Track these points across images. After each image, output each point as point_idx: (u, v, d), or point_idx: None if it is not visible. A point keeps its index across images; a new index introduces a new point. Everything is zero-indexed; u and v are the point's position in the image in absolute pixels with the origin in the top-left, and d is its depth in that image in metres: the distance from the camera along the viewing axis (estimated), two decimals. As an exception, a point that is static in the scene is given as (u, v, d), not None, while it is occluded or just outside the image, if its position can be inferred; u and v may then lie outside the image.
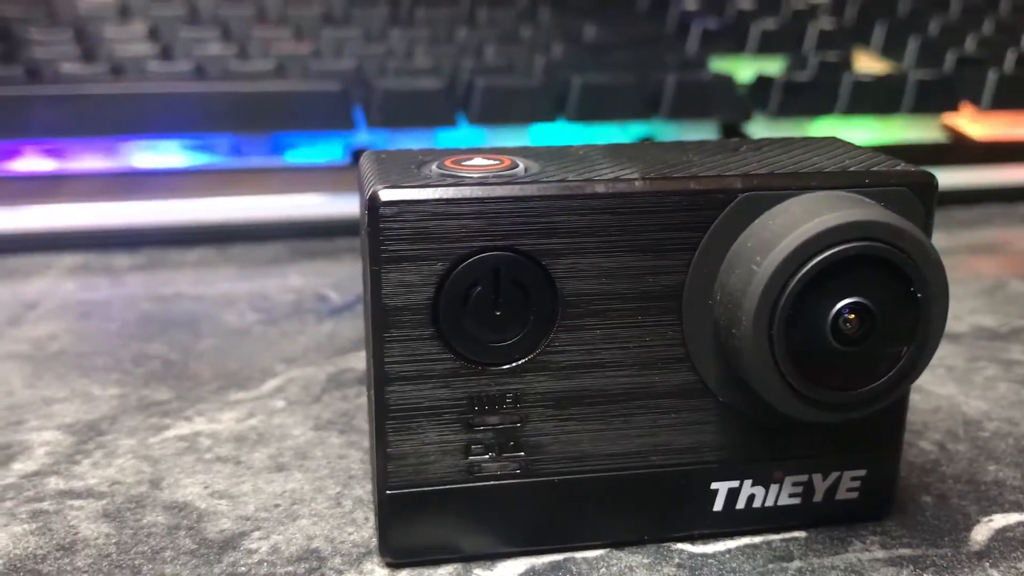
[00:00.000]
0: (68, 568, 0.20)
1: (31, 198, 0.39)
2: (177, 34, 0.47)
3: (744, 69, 0.48)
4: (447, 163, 0.20)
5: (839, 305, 0.19)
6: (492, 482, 0.20)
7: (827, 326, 0.19)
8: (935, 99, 0.46)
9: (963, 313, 0.34)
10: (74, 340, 0.31)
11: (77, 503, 0.23)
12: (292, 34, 0.48)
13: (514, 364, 0.20)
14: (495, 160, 0.20)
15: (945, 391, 0.28)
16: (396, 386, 0.19)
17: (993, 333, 0.32)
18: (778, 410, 0.19)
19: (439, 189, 0.19)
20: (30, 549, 0.21)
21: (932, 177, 0.20)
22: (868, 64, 0.50)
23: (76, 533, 0.21)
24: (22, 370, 0.29)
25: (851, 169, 0.20)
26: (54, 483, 0.23)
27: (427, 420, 0.20)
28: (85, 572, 0.20)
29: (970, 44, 0.51)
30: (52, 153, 0.40)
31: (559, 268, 0.19)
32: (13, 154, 0.40)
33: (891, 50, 0.52)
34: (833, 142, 0.23)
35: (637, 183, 0.19)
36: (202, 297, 0.35)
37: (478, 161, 0.20)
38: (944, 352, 0.31)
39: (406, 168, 0.20)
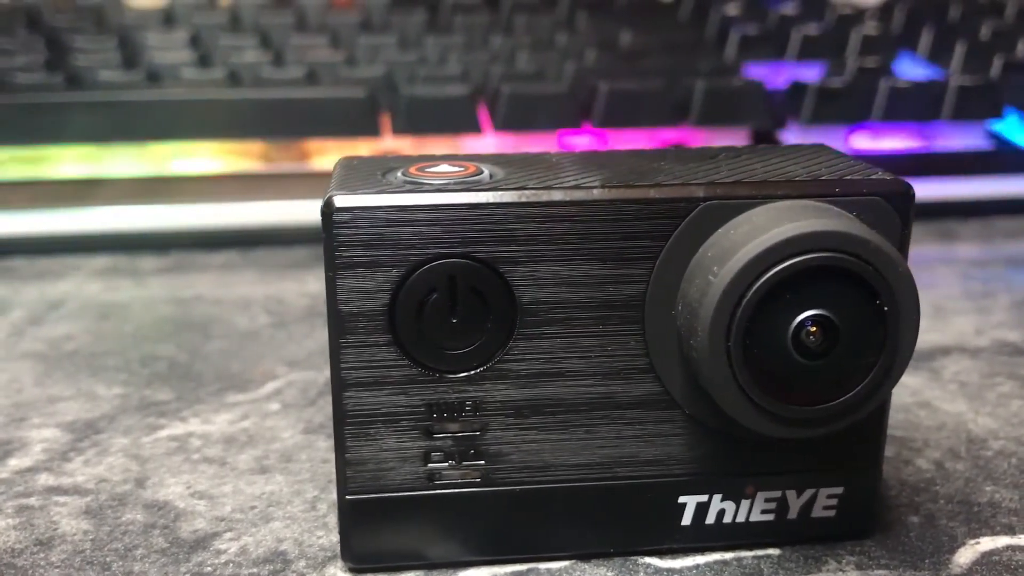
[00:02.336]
0: (42, 563, 0.21)
1: (66, 201, 0.40)
2: (217, 42, 0.48)
3: (781, 75, 0.48)
4: (411, 170, 0.20)
5: (800, 317, 0.18)
6: (453, 490, 0.20)
7: (788, 339, 0.18)
8: (978, 105, 0.44)
9: (987, 327, 0.33)
10: (89, 340, 0.32)
11: (62, 499, 0.23)
12: (329, 41, 0.49)
13: (472, 372, 0.20)
14: (460, 167, 0.20)
15: (954, 408, 0.27)
16: (353, 392, 0.19)
17: (1015, 348, 0.31)
18: (741, 424, 0.19)
19: (393, 196, 0.19)
20: (9, 543, 0.21)
21: (908, 187, 0.20)
22: (910, 70, 0.49)
23: (56, 529, 0.22)
24: (35, 368, 0.30)
25: (822, 178, 0.20)
26: (44, 479, 0.24)
27: (385, 426, 0.20)
28: (57, 567, 0.21)
29: (1022, 49, 0.50)
30: (88, 158, 0.41)
31: (517, 276, 0.19)
32: (53, 158, 0.41)
33: (938, 55, 0.50)
34: (818, 150, 0.22)
35: (596, 191, 0.19)
36: (220, 300, 0.35)
37: (443, 168, 0.20)
38: (960, 367, 0.30)
39: (371, 174, 0.20)
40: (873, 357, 0.19)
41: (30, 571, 0.21)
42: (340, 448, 0.20)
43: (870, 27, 0.53)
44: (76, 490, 0.24)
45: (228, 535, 0.22)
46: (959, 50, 0.49)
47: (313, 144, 0.43)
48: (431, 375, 0.19)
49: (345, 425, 0.20)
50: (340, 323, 0.19)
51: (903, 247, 0.20)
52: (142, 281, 0.37)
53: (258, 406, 0.28)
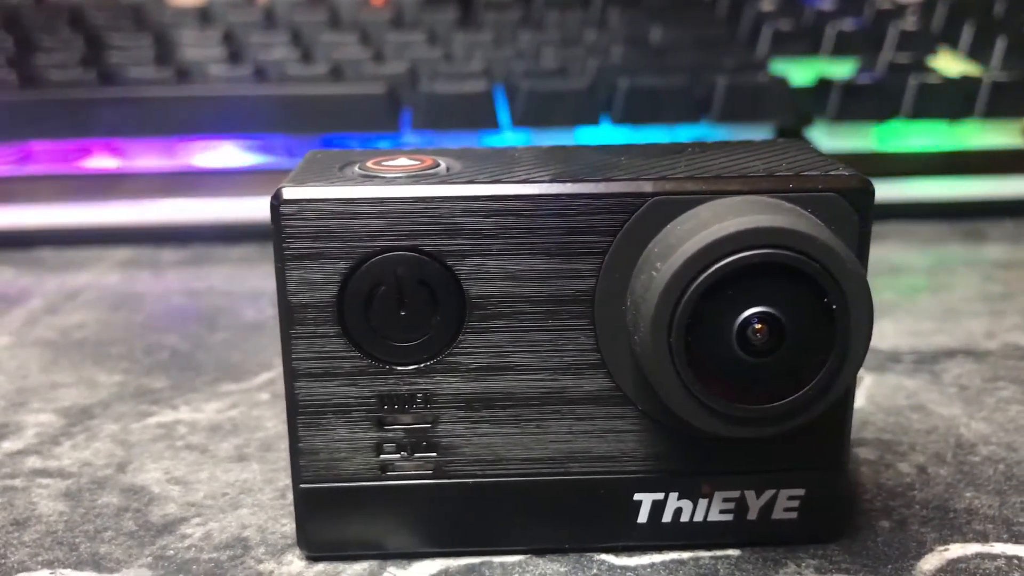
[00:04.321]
0: (14, 541, 0.22)
1: (94, 194, 0.41)
2: (249, 39, 0.49)
3: (811, 72, 0.47)
4: (369, 163, 0.20)
5: (745, 314, 0.18)
6: (405, 481, 0.20)
7: (733, 336, 0.18)
8: (1014, 102, 0.43)
9: (999, 330, 0.32)
10: (99, 329, 0.33)
11: (45, 481, 0.24)
12: (358, 39, 0.49)
13: (422, 364, 0.20)
14: (416, 160, 0.20)
15: (948, 411, 0.27)
16: (304, 382, 0.20)
17: (1025, 352, 0.30)
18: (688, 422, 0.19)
19: (340, 188, 0.19)
20: (-13, 522, 0.22)
21: (867, 183, 0.19)
22: (946, 66, 0.48)
23: (34, 510, 0.23)
24: (42, 356, 0.31)
25: (777, 173, 0.19)
26: (31, 462, 0.25)
27: (336, 417, 0.20)
28: (28, 546, 0.21)
29: (1066, 44, 0.48)
30: (115, 152, 0.42)
31: (465, 269, 0.19)
32: (81, 153, 0.42)
33: (978, 51, 0.49)
34: (789, 145, 0.22)
35: (542, 185, 0.19)
36: (231, 292, 0.36)
37: (401, 161, 0.20)
38: (963, 370, 0.29)
39: (329, 167, 0.20)
40: (822, 356, 0.18)
41: (1, 549, 0.21)
42: (293, 437, 0.20)
43: (909, 23, 0.51)
44: (60, 473, 0.24)
45: (196, 520, 0.22)
46: (1000, 46, 0.48)
47: (336, 139, 0.43)
48: (381, 367, 0.20)
49: (297, 415, 0.20)
50: (289, 314, 0.19)
51: (863, 244, 0.19)
52: (160, 273, 0.38)
53: (248, 396, 0.28)
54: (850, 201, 0.19)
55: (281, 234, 0.19)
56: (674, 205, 0.19)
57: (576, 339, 0.20)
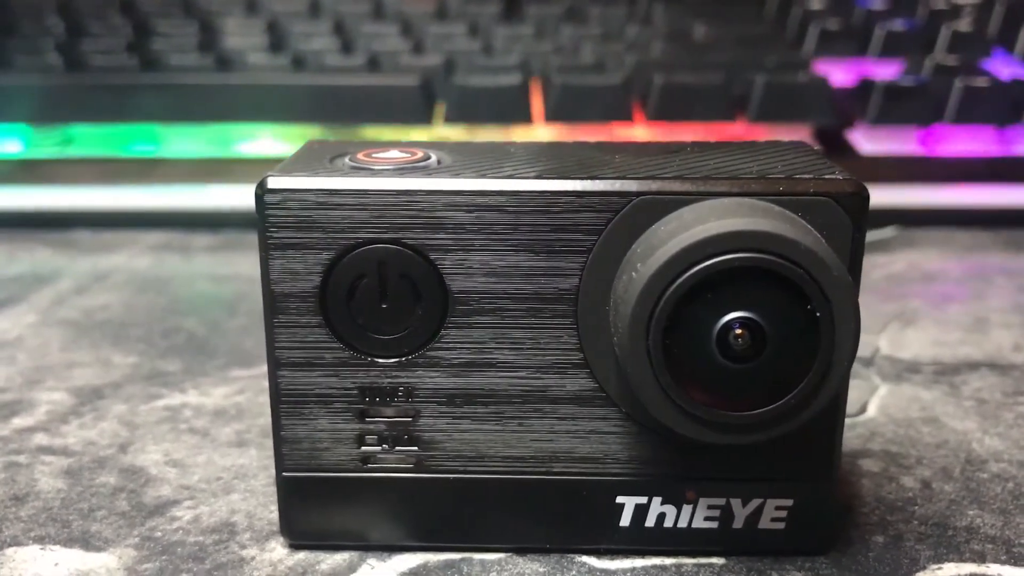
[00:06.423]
0: (11, 516, 0.22)
1: (131, 178, 0.42)
2: (291, 28, 0.49)
3: (859, 73, 0.46)
4: (359, 155, 0.20)
5: (726, 319, 0.17)
6: (386, 474, 0.20)
7: (712, 341, 0.18)
8: (1065, 109, 0.42)
9: (1028, 343, 0.31)
10: (122, 312, 0.33)
11: (48, 459, 0.24)
12: (400, 30, 0.50)
13: (404, 358, 0.20)
14: (407, 153, 0.20)
15: (962, 425, 0.26)
16: (287, 371, 0.20)
17: (1053, 367, 0.29)
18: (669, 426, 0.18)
19: (325, 179, 0.19)
20: (-13, 496, 0.23)
21: (861, 188, 0.19)
22: (1000, 70, 0.46)
23: (34, 486, 0.23)
24: (64, 335, 0.32)
25: (769, 176, 0.19)
26: (38, 439, 0.25)
27: (318, 407, 0.20)
28: (23, 521, 0.22)
29: None
30: (155, 137, 0.43)
31: (447, 264, 0.19)
32: (122, 137, 0.43)
33: (1034, 54, 0.47)
34: (791, 147, 0.21)
35: (527, 181, 0.19)
36: (254, 279, 0.36)
37: (392, 154, 0.20)
38: (984, 383, 0.28)
39: (321, 157, 0.20)
40: (806, 365, 0.18)
41: (-2, 523, 0.22)
42: (276, 426, 0.20)
43: (963, 24, 0.50)
44: (64, 451, 0.25)
45: (187, 503, 0.22)
46: (1056, 49, 0.46)
47: (369, 131, 0.43)
48: (363, 359, 0.20)
49: (280, 404, 0.20)
50: (272, 303, 0.19)
51: (856, 251, 0.19)
52: (189, 257, 0.39)
53: (256, 382, 0.28)
54: (843, 206, 0.18)
55: (265, 223, 0.19)
56: (660, 205, 0.18)
57: (559, 338, 0.19)
